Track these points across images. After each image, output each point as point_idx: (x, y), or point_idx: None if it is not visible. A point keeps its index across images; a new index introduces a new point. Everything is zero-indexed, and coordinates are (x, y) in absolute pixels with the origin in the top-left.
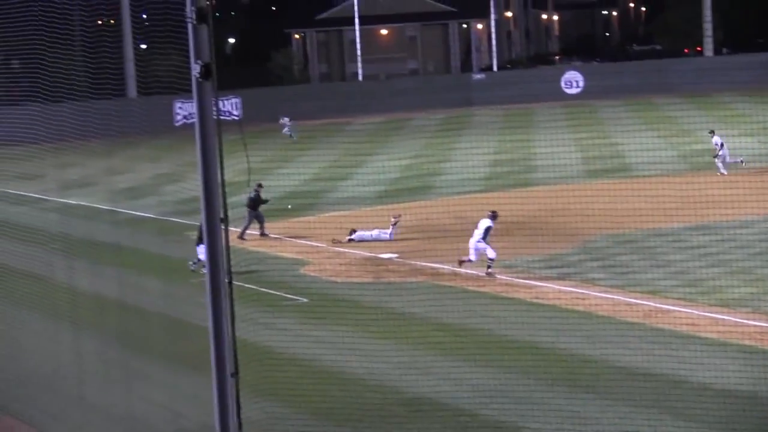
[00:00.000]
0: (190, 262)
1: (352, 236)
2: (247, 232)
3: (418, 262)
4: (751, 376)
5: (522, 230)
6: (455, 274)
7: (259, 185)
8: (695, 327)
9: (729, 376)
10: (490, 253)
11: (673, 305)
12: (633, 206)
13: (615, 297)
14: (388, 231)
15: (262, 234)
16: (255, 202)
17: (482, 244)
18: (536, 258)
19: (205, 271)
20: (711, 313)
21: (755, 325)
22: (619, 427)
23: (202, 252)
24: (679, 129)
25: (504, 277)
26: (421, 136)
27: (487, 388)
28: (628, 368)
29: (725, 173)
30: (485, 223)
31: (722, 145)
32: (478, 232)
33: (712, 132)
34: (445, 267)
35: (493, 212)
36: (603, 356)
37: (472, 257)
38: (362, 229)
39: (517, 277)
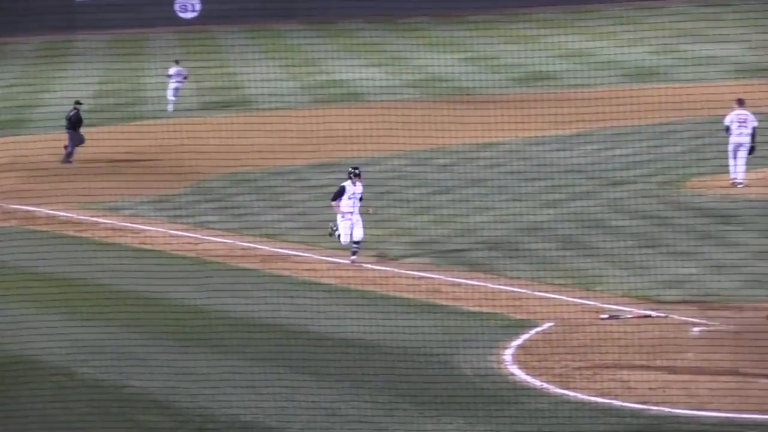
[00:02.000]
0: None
1: None
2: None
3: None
4: (372, 323)
5: (129, 168)
6: (51, 217)
7: (78, 103)
8: (315, 273)
9: (348, 324)
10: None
11: (293, 249)
12: (252, 142)
13: (230, 241)
14: None
15: (68, 155)
16: (73, 122)
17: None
18: (144, 199)
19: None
20: (332, 257)
21: (378, 270)
22: (234, 381)
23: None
24: (304, 59)
25: (108, 221)
26: (16, 63)
27: (86, 344)
28: (244, 318)
29: None
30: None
31: None
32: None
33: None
34: (41, 210)
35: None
36: (216, 306)
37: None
38: None
39: (123, 221)
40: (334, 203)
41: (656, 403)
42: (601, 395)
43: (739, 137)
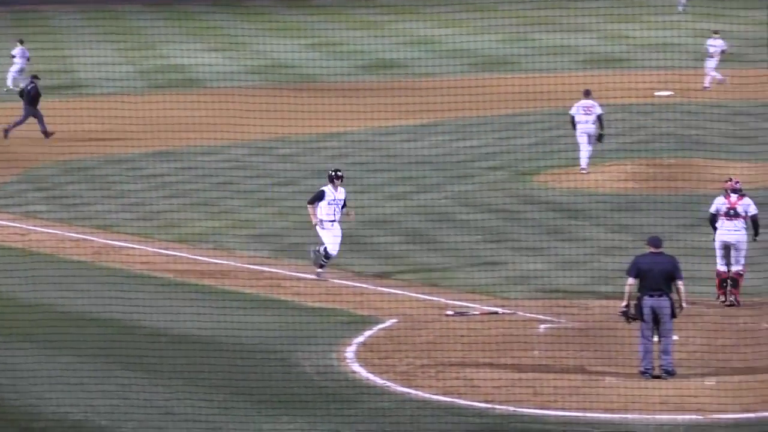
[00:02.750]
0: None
1: None
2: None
3: None
4: (209, 319)
5: None
6: None
7: (35, 77)
8: (150, 265)
9: (184, 319)
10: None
11: (127, 241)
12: (84, 128)
13: (59, 232)
14: None
15: (45, 132)
16: (32, 97)
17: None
18: None
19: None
20: (168, 250)
21: (215, 263)
22: (63, 378)
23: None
24: (141, 42)
25: None
26: None
27: None
28: (74, 313)
29: None
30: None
31: None
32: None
33: None
34: None
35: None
36: (44, 300)
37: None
38: None
39: None
40: (310, 208)
41: (501, 402)
42: (446, 394)
43: (585, 125)
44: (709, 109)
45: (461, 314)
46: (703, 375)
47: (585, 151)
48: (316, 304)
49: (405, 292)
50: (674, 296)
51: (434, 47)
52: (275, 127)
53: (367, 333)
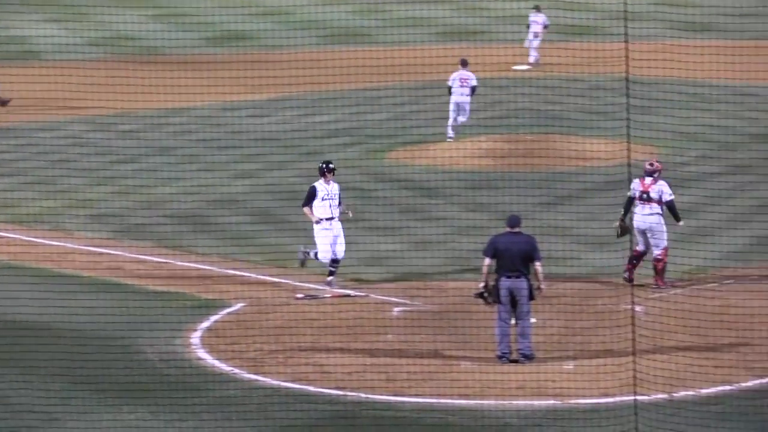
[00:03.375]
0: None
1: None
2: None
3: None
4: (46, 304)
5: None
6: None
7: None
8: None
9: (20, 304)
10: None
11: None
12: None
13: None
14: None
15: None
16: None
17: None
18: None
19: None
20: (2, 231)
21: (52, 245)
22: None
23: None
24: None
25: None
26: None
27: None
28: None
29: None
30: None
31: None
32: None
33: None
34: None
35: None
36: None
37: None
38: None
39: None
40: (306, 209)
41: (353, 389)
42: (295, 380)
43: (460, 97)
44: (566, 83)
45: (312, 297)
46: (561, 359)
47: (452, 120)
48: (160, 288)
49: (253, 275)
50: (532, 278)
51: (285, 18)
52: (116, 101)
53: (214, 318)
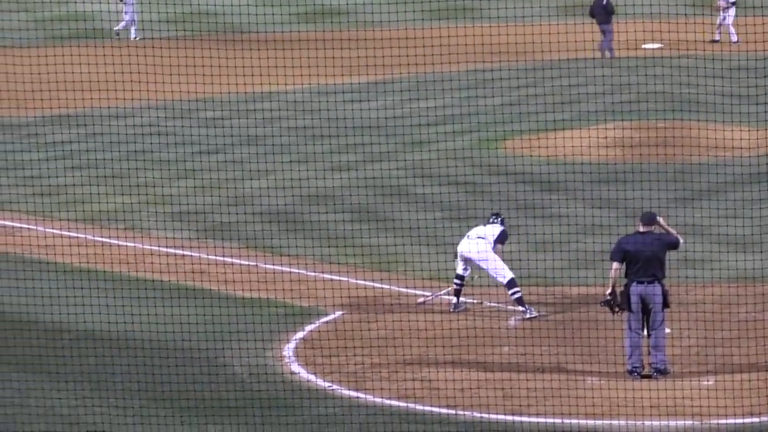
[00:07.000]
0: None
1: None
2: None
3: None
4: (121, 312)
5: None
6: None
7: None
8: (52, 250)
9: (92, 313)
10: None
11: (23, 221)
12: None
13: None
14: None
15: None
16: None
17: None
18: None
19: None
20: (72, 231)
21: (128, 246)
22: None
23: None
24: None
25: None
26: None
27: None
28: None
29: None
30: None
31: None
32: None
33: None
34: None
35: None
36: None
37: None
38: None
39: None
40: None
41: (466, 407)
42: (401, 398)
43: None
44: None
45: (431, 302)
46: (699, 374)
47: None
48: (248, 294)
49: (352, 280)
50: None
51: None
52: (197, 85)
53: (309, 327)
